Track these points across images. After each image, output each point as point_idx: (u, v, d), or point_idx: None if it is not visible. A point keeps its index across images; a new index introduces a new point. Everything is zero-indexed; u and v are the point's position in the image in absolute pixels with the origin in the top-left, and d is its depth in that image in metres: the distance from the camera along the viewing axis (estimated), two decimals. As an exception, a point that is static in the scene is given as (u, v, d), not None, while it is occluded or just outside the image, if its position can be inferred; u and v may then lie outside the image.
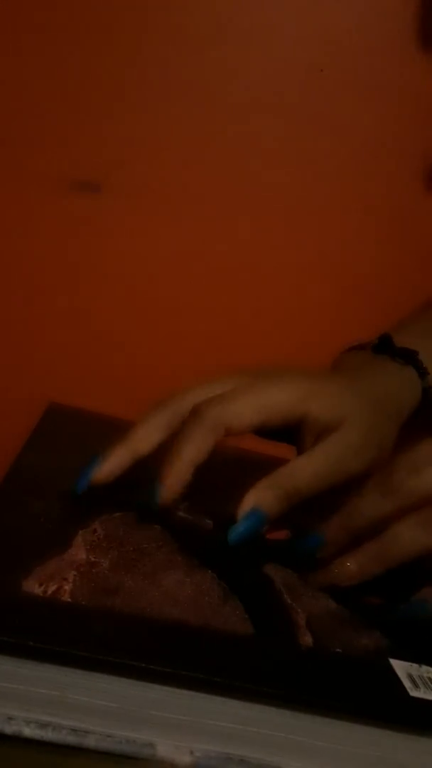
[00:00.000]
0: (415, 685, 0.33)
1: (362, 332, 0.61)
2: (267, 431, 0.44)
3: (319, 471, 0.42)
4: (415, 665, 0.34)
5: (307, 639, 0.35)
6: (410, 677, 0.33)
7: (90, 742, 0.29)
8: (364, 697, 0.32)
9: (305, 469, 0.42)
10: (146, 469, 0.43)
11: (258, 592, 0.37)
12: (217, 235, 0.68)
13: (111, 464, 0.42)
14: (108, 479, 0.42)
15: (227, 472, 0.43)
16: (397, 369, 0.50)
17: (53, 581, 0.34)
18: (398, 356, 0.51)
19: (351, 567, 0.39)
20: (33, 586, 0.33)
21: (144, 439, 0.43)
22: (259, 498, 0.40)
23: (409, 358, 0.50)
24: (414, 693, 0.32)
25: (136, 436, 0.43)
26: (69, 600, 0.33)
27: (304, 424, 0.44)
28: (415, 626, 0.38)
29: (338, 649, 0.35)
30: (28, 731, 0.29)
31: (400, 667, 0.34)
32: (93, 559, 0.37)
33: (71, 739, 0.29)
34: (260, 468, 0.42)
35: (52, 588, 0.34)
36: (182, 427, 0.42)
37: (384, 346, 0.52)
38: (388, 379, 0.49)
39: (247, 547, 0.40)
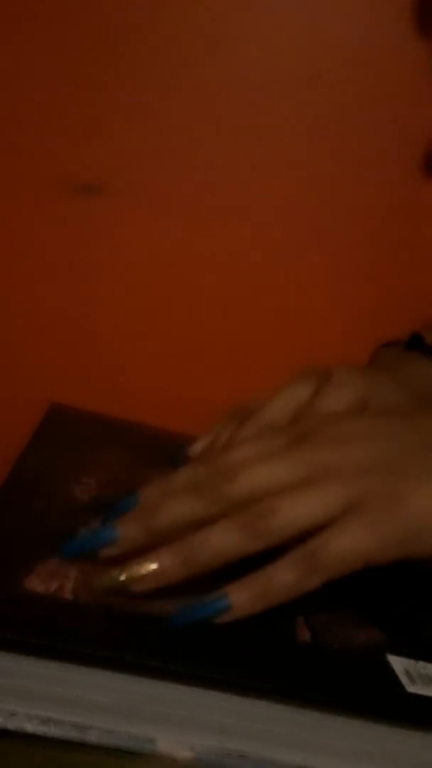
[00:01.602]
0: (413, 681, 0.33)
1: (362, 331, 0.61)
2: None
3: None
4: (412, 661, 0.34)
5: (305, 635, 0.35)
6: (407, 673, 0.33)
7: (91, 737, 0.30)
8: (362, 693, 0.32)
9: None
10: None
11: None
12: (218, 238, 0.69)
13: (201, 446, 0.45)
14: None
15: None
16: (429, 365, 0.50)
17: (55, 579, 0.34)
18: (429, 353, 0.51)
19: (149, 568, 0.34)
20: (35, 584, 0.34)
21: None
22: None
23: None
24: (411, 689, 0.33)
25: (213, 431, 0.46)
26: (70, 597, 0.34)
27: None
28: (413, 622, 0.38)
29: (336, 645, 0.35)
30: (30, 727, 0.29)
31: (397, 663, 0.34)
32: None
33: (73, 734, 0.30)
34: None
35: (53, 585, 0.34)
36: (180, 495, 0.37)
37: (415, 344, 0.52)
38: (424, 372, 0.49)
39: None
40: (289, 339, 0.70)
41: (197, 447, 0.45)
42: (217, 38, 0.67)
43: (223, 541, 0.35)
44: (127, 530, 0.36)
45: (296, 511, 0.35)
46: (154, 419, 0.61)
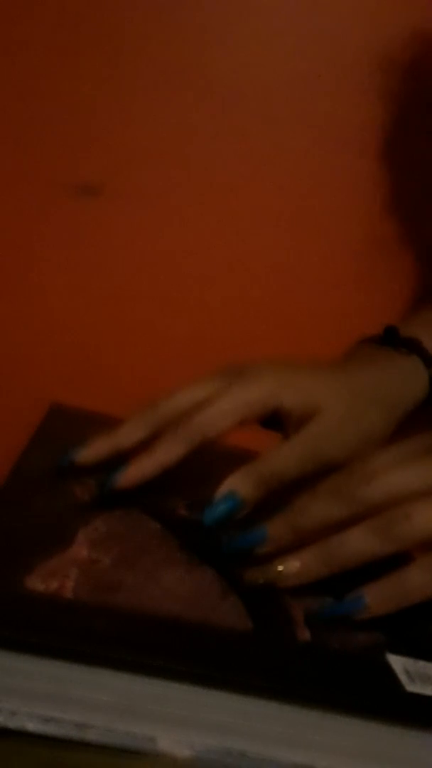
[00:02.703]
0: (412, 680, 0.33)
1: (361, 330, 0.61)
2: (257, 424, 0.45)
3: (295, 456, 0.43)
4: (411, 660, 0.34)
5: (305, 634, 0.35)
6: (407, 672, 0.34)
7: (92, 736, 0.30)
8: (362, 692, 0.32)
9: (281, 455, 0.43)
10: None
11: (257, 589, 0.38)
12: (218, 238, 0.69)
13: (92, 450, 0.45)
14: (86, 464, 0.45)
15: (229, 471, 0.43)
16: (401, 359, 0.50)
17: (55, 578, 0.35)
18: (402, 346, 0.51)
19: (293, 565, 0.38)
20: (35, 583, 0.34)
21: (127, 434, 0.45)
22: (235, 483, 0.41)
23: (413, 347, 0.51)
24: (410, 688, 0.33)
25: (120, 431, 0.45)
26: (71, 597, 0.34)
27: (281, 415, 0.45)
28: (411, 621, 0.38)
29: (336, 645, 0.35)
30: (31, 726, 0.30)
31: (397, 662, 0.34)
32: (94, 557, 0.37)
33: (73, 733, 0.30)
34: None
35: (54, 585, 0.34)
36: (162, 432, 0.44)
37: (389, 337, 0.52)
38: (387, 369, 0.50)
39: (206, 533, 0.40)
40: (289, 338, 0.70)
41: (90, 453, 0.45)
42: (217, 39, 0.67)
43: (359, 543, 0.37)
44: (275, 530, 0.39)
45: (428, 517, 0.37)
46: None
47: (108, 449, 0.45)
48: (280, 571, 0.38)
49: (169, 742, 0.30)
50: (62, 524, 0.40)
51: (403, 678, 0.33)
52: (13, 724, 0.29)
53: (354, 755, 0.31)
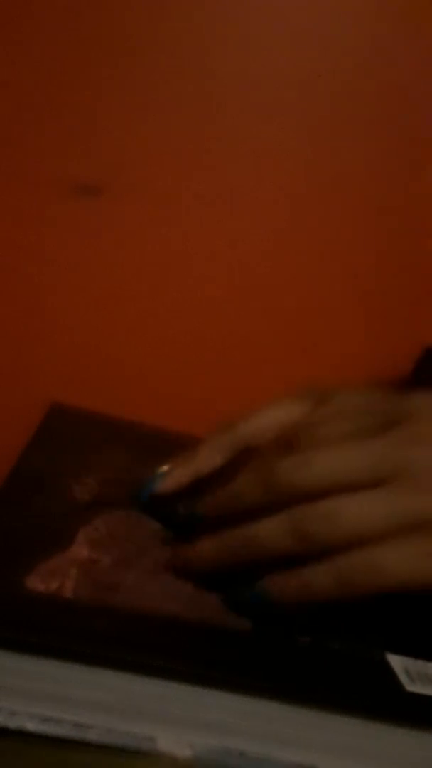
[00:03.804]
0: (412, 680, 0.33)
1: (362, 334, 0.62)
2: None
3: None
4: (411, 660, 0.34)
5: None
6: (407, 672, 0.34)
7: (91, 736, 0.30)
8: (362, 692, 0.32)
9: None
10: None
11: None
12: (219, 238, 0.69)
13: (174, 480, 0.42)
14: (168, 493, 0.42)
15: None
16: None
17: (55, 578, 0.35)
18: None
19: (206, 549, 0.36)
20: (35, 583, 0.34)
21: (206, 460, 0.42)
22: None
23: None
24: (410, 688, 0.33)
25: (198, 456, 0.42)
26: (71, 596, 0.34)
27: None
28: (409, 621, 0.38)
29: (336, 644, 0.35)
30: (31, 726, 0.30)
31: (397, 661, 0.34)
32: (95, 556, 0.37)
33: (73, 733, 0.30)
34: None
35: (54, 585, 0.34)
36: (245, 471, 0.39)
37: None
38: None
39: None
40: (288, 340, 0.70)
41: (170, 483, 0.42)
42: (217, 38, 0.67)
43: (271, 538, 0.35)
44: (204, 506, 0.38)
45: (357, 521, 0.33)
46: (154, 419, 0.62)
47: (189, 477, 0.42)
48: (191, 555, 0.36)
49: (169, 742, 0.30)
50: (62, 524, 0.40)
51: (403, 678, 0.33)
52: (12, 724, 0.29)
53: (354, 755, 0.31)
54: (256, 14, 0.66)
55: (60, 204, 0.67)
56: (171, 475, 0.42)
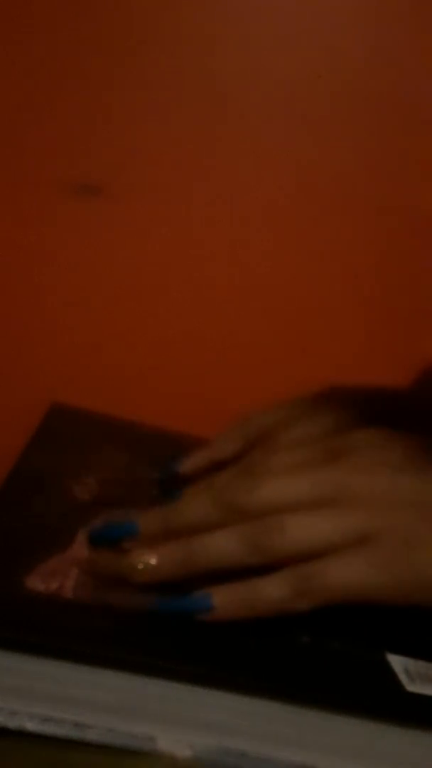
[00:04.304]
0: (412, 680, 0.33)
1: (361, 331, 0.62)
2: None
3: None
4: (411, 660, 0.34)
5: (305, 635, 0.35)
6: (407, 672, 0.34)
7: (91, 736, 0.30)
8: (362, 692, 0.32)
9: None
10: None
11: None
12: (219, 238, 0.69)
13: (193, 463, 0.45)
14: (187, 474, 0.45)
15: None
16: None
17: (55, 578, 0.35)
18: None
19: (147, 561, 0.35)
20: (36, 583, 0.34)
21: (221, 448, 0.45)
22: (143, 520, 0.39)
23: None
24: (410, 688, 0.33)
25: (215, 444, 0.46)
26: (71, 596, 0.34)
27: None
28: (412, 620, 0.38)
29: (336, 645, 0.35)
30: (31, 726, 0.30)
31: (396, 661, 0.34)
32: (94, 557, 0.37)
33: (73, 733, 0.30)
34: None
35: (54, 585, 0.34)
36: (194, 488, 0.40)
37: None
38: None
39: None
40: (289, 339, 0.70)
41: (189, 464, 0.45)
42: (218, 38, 0.67)
43: (222, 548, 0.35)
44: (147, 524, 0.37)
45: (304, 533, 0.35)
46: (154, 419, 0.62)
47: (206, 461, 0.45)
48: (133, 565, 0.35)
49: (169, 742, 0.30)
50: (62, 524, 0.40)
51: (403, 678, 0.33)
52: (12, 723, 0.29)
53: (354, 755, 0.31)
54: (256, 14, 0.66)
55: (60, 204, 0.67)
56: (192, 458, 0.45)
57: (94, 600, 0.34)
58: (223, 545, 0.35)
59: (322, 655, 0.34)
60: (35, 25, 0.65)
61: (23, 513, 0.41)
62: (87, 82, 0.66)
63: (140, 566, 0.35)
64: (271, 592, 0.34)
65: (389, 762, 0.31)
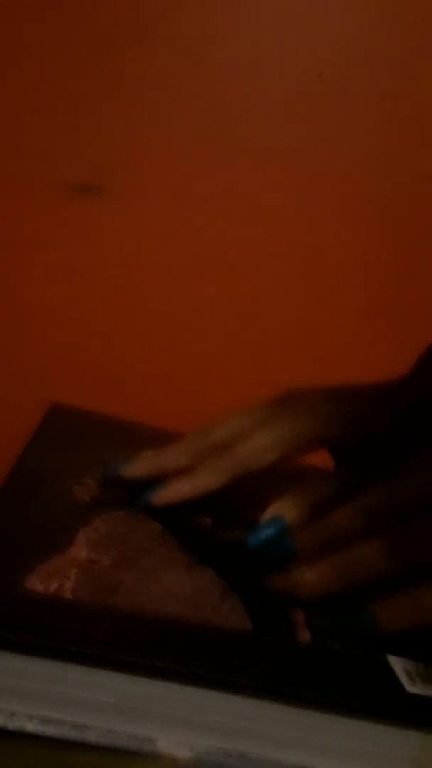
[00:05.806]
0: (413, 681, 0.33)
1: (362, 333, 0.62)
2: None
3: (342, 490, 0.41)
4: (412, 661, 0.34)
5: (305, 636, 0.35)
6: (407, 673, 0.33)
7: (91, 737, 0.30)
8: (362, 693, 0.32)
9: (329, 490, 0.41)
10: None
11: (257, 590, 0.38)
12: (218, 238, 0.69)
13: (135, 469, 0.45)
14: (130, 479, 0.45)
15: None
16: None
17: (55, 579, 0.35)
18: None
19: (311, 578, 0.37)
20: (35, 584, 0.34)
21: (172, 458, 0.45)
22: (282, 508, 0.40)
23: None
24: (411, 689, 0.33)
25: (166, 453, 0.45)
26: (70, 597, 0.34)
27: (328, 448, 0.44)
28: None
29: (336, 645, 0.35)
30: (30, 727, 0.30)
31: (397, 663, 0.34)
32: (94, 557, 0.37)
33: (73, 734, 0.30)
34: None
35: (54, 585, 0.34)
36: (206, 460, 0.44)
37: None
38: None
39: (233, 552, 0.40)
40: (287, 340, 0.70)
41: (132, 470, 0.45)
42: (218, 39, 0.67)
43: (370, 558, 0.37)
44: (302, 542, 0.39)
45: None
46: (154, 419, 0.61)
47: (151, 470, 0.45)
48: (300, 582, 0.37)
49: (169, 743, 0.30)
50: (62, 524, 0.40)
51: (403, 679, 0.33)
52: (12, 725, 0.29)
53: (354, 757, 0.31)
54: (257, 14, 0.66)
55: (60, 204, 0.67)
56: (137, 464, 0.45)
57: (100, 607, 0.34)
58: (375, 556, 0.37)
59: (323, 656, 0.34)
60: (35, 26, 0.65)
61: (23, 513, 0.41)
62: (87, 83, 0.66)
63: (305, 583, 0.37)
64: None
65: (389, 763, 0.31)
